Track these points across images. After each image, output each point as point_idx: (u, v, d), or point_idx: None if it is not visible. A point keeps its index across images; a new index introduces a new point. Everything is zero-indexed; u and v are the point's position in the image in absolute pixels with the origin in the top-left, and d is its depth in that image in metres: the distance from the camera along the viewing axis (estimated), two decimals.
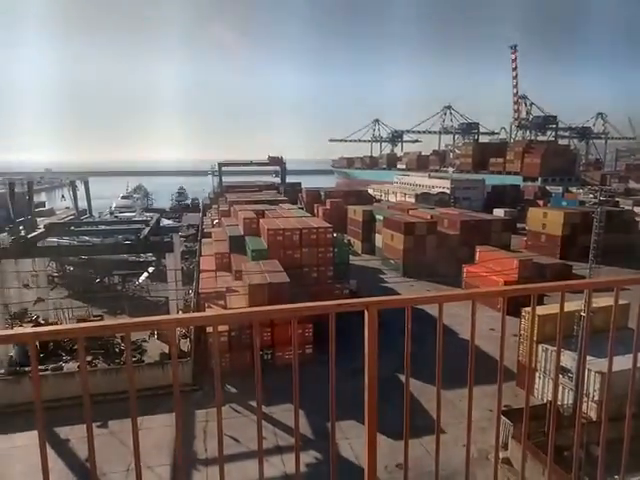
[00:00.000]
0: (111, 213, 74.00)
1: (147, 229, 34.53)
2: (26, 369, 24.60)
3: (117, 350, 26.86)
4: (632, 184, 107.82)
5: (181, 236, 45.70)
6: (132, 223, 44.04)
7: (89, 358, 25.93)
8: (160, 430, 18.99)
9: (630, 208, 71.00)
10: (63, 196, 72.29)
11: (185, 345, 26.80)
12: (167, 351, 26.69)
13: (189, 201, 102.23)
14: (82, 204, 74.94)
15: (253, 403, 21.74)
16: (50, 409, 18.35)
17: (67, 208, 73.14)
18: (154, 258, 41.75)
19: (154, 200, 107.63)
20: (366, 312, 2.92)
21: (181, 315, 3.71)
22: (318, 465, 15.92)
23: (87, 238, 39.32)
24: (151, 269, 41.62)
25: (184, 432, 18.90)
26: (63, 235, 38.66)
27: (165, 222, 53.70)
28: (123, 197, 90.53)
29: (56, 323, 29.98)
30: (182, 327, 21.73)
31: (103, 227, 42.76)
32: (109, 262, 39.70)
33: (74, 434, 19.74)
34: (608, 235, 34.57)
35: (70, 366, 25.48)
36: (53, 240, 36.91)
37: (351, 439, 16.91)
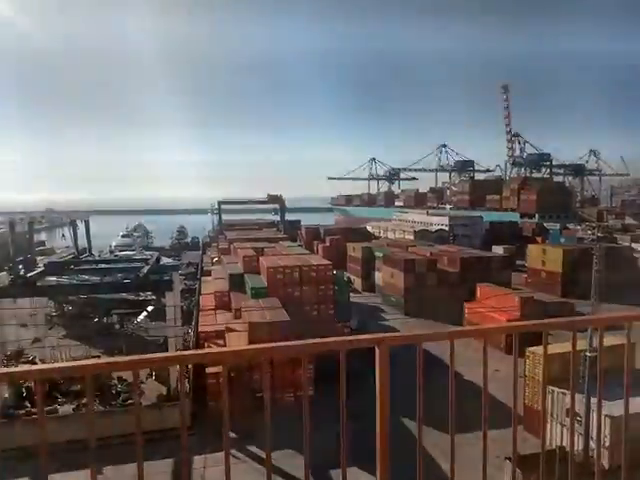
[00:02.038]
0: (111, 252, 73.88)
1: (147, 267, 34.43)
2: (20, 412, 23.97)
3: (113, 392, 26.25)
4: (628, 220, 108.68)
5: (181, 274, 45.49)
6: (132, 261, 43.94)
7: (83, 401, 25.32)
8: (156, 477, 18.32)
9: (628, 244, 71.37)
10: (63, 235, 72.44)
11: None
12: (165, 392, 26.13)
13: (189, 239, 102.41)
14: (82, 243, 75.08)
15: (253, 449, 21.08)
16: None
17: (67, 247, 73.15)
18: (153, 297, 41.42)
19: (154, 238, 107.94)
20: (377, 349, 2.88)
21: (190, 352, 3.71)
22: None
23: (86, 277, 39.11)
24: (150, 308, 41.22)
25: (180, 479, 18.27)
26: (62, 274, 38.45)
27: (165, 260, 53.57)
28: (123, 236, 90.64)
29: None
30: (189, 364, 21.28)
31: (103, 265, 42.64)
32: (108, 301, 39.36)
33: None
34: (608, 272, 34.69)
35: (65, 409, 24.86)
36: (52, 279, 36.70)
37: None
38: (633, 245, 71.33)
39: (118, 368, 2.60)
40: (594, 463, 7.53)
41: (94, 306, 39.99)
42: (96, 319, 40.55)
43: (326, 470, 17.18)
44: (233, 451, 20.82)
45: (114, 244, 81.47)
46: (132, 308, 40.94)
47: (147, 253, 58.79)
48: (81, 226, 71.69)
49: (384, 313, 47.48)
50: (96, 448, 2.55)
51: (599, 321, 4.69)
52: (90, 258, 59.85)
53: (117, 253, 68.51)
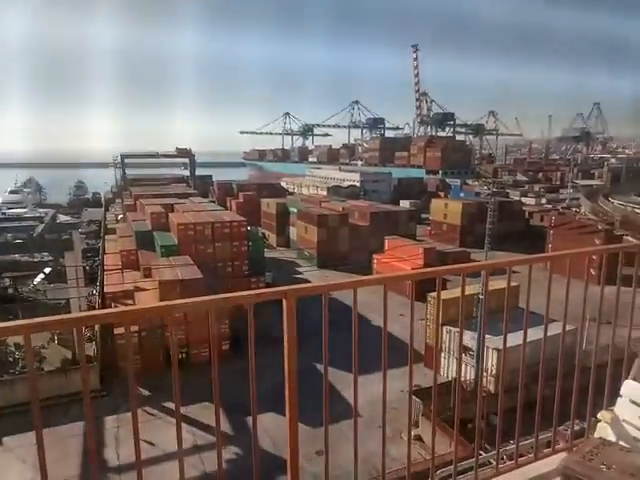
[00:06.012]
0: None
1: (41, 226, 31.83)
2: None
3: (11, 360, 24.48)
4: (519, 176, 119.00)
5: (81, 233, 42.56)
6: (23, 220, 40.22)
7: None
8: (64, 442, 17.67)
9: (518, 198, 78.42)
10: None
11: (90, 349, 25.13)
12: (70, 357, 24.88)
13: (89, 195, 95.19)
14: None
15: (167, 404, 20.99)
16: None
17: None
18: (51, 258, 38.48)
19: (47, 194, 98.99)
20: (284, 301, 2.90)
21: (87, 312, 3.45)
22: (238, 460, 15.85)
23: None
24: (48, 270, 38.29)
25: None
26: None
27: (62, 218, 49.72)
28: (11, 192, 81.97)
29: None
30: (88, 326, 20.21)
31: None
32: None
33: None
34: (500, 223, 38.15)
35: None
36: None
37: (270, 430, 16.99)
38: (522, 199, 78.58)
39: (6, 334, 2.38)
40: (482, 389, 8.49)
41: None
42: None
43: (243, 417, 17.63)
44: (147, 408, 20.60)
45: (1, 201, 73.58)
46: (27, 270, 37.75)
47: (41, 211, 53.92)
48: None
49: (299, 267, 48.39)
50: None
51: (485, 266, 5.19)
52: None
53: (5, 211, 61.95)
